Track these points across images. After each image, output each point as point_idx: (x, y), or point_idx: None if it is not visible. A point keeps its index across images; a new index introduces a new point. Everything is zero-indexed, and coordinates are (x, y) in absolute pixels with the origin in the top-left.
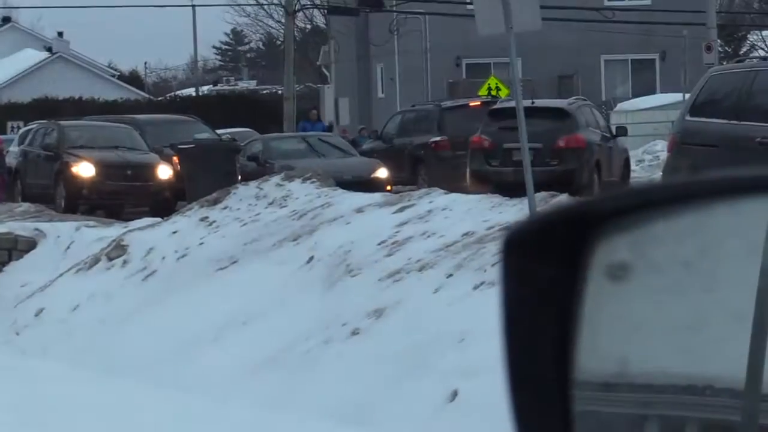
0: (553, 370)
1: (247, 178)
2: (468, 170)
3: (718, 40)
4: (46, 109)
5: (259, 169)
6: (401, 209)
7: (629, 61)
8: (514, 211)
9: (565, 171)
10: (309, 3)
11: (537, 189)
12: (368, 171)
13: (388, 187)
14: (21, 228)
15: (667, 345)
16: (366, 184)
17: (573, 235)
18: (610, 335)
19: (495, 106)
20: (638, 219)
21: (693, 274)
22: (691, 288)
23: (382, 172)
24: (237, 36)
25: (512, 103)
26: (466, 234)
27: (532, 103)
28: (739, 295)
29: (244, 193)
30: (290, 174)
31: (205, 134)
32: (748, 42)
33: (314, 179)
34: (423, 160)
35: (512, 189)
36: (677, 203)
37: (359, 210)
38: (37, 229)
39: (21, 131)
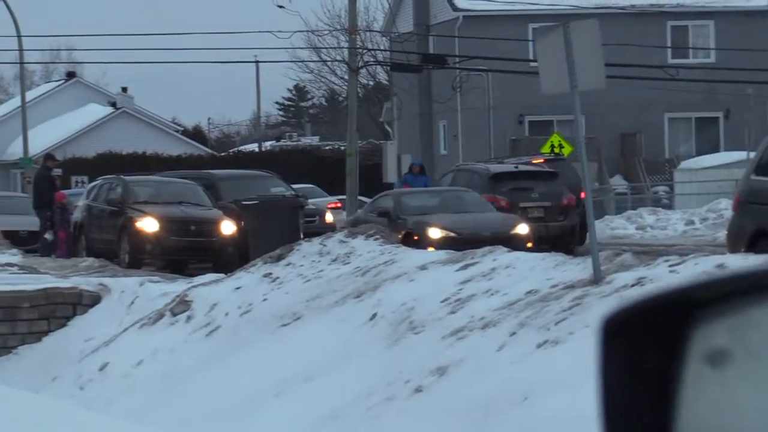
0: None
1: None
2: None
3: None
4: (110, 164)
5: (391, 225)
6: (465, 267)
7: (693, 119)
8: (577, 270)
9: (572, 226)
10: (372, 60)
11: (551, 241)
12: (508, 227)
13: (529, 244)
14: (85, 283)
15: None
16: (505, 241)
17: (672, 319)
18: (709, 421)
19: (496, 171)
20: (737, 304)
21: None
22: None
23: (523, 228)
24: (300, 92)
25: (509, 168)
26: (529, 292)
27: (516, 167)
28: None
29: (307, 249)
30: (353, 231)
31: (280, 189)
32: None
33: (378, 236)
34: None
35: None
36: None
37: (423, 267)
38: (101, 284)
39: (89, 186)
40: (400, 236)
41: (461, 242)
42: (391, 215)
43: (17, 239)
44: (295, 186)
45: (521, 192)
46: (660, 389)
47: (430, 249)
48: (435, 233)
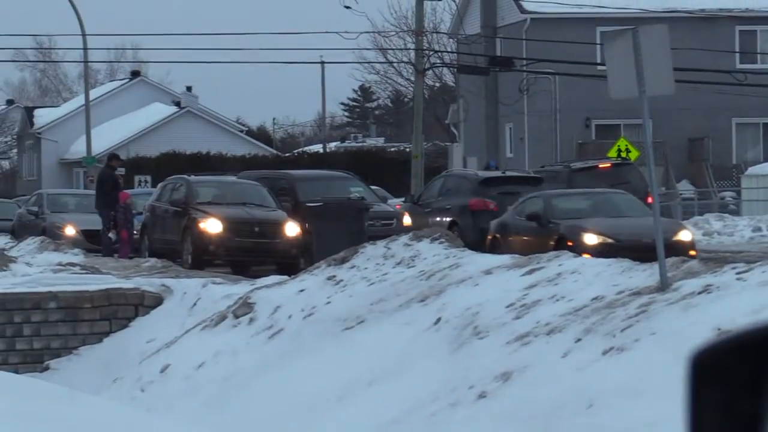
0: None
1: (524, 239)
2: (473, 228)
3: None
4: (173, 163)
5: (541, 229)
6: (530, 272)
7: (761, 125)
8: (644, 276)
9: None
10: (439, 62)
11: None
12: (670, 233)
13: (692, 252)
14: (148, 284)
15: None
16: (668, 249)
17: (760, 356)
18: None
19: (485, 176)
20: None
21: None
22: None
23: (686, 235)
24: (365, 93)
25: (497, 173)
26: (595, 298)
27: (504, 173)
28: None
29: (371, 252)
30: (419, 234)
31: (359, 190)
32: None
33: (443, 239)
34: None
35: None
36: None
37: (488, 272)
38: (163, 285)
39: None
40: (552, 242)
41: (620, 249)
42: (541, 219)
43: (96, 238)
44: None
45: (509, 196)
46: (751, 426)
47: (586, 256)
48: (591, 239)
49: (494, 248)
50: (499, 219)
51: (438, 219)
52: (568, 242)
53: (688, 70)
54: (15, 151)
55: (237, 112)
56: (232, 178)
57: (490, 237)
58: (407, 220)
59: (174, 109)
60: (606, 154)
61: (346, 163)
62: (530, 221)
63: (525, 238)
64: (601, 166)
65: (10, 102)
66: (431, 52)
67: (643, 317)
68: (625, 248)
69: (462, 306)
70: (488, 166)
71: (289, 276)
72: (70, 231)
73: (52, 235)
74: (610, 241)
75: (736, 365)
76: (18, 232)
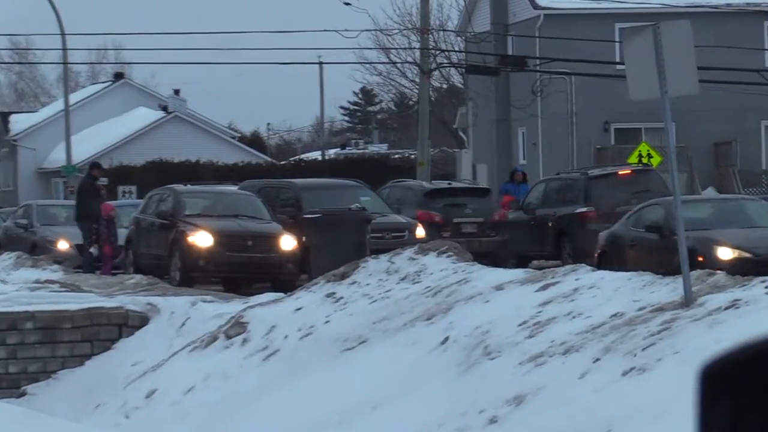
0: None
1: (642, 253)
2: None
3: None
4: (160, 172)
5: (663, 242)
6: (544, 287)
7: None
8: (666, 291)
9: (504, 241)
10: (446, 61)
11: (482, 257)
12: None
13: None
14: (132, 302)
15: None
16: None
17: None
18: None
19: (430, 187)
20: None
21: None
22: None
23: None
24: (367, 95)
25: (443, 184)
26: (614, 315)
27: (449, 184)
28: None
29: (374, 267)
30: (424, 247)
31: (368, 200)
32: None
33: (451, 252)
34: (568, 232)
35: None
36: None
37: (499, 287)
38: (149, 304)
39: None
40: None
41: (759, 264)
42: (663, 230)
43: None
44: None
45: (455, 208)
46: None
47: (719, 272)
48: (726, 253)
49: (604, 263)
50: (609, 230)
51: None
52: (697, 257)
53: (713, 69)
54: None
55: (228, 117)
56: (233, 188)
57: (598, 251)
58: (420, 232)
59: (161, 113)
60: (626, 160)
61: (347, 171)
62: (650, 233)
63: (643, 252)
64: (620, 172)
65: None
66: (438, 52)
67: (665, 335)
68: (765, 263)
69: (471, 324)
70: (515, 171)
71: (285, 293)
72: (62, 245)
73: (43, 249)
74: (747, 255)
75: (744, 377)
76: (4, 247)
